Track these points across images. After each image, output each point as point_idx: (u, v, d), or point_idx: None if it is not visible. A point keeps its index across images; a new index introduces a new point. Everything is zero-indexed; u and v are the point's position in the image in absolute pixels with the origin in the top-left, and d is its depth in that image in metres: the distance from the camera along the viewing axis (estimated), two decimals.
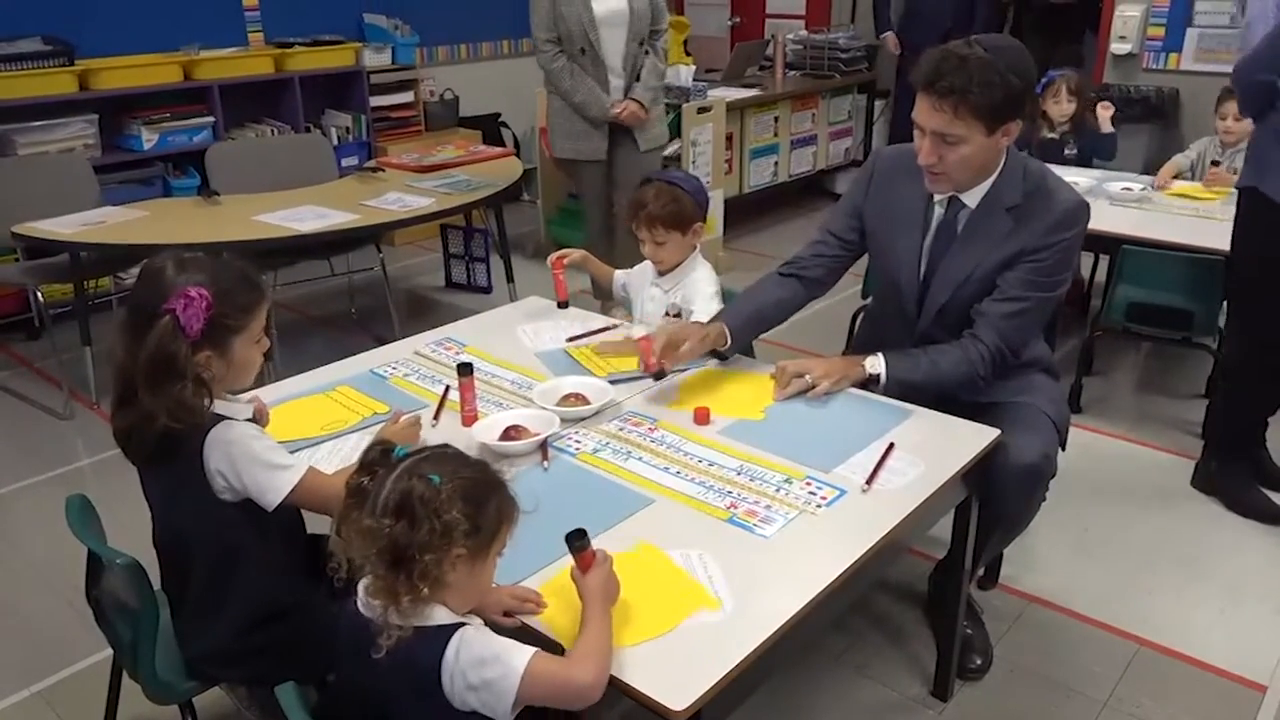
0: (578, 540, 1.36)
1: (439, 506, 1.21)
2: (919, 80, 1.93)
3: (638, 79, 3.87)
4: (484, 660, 1.22)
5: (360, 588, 1.29)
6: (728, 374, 2.15)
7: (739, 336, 2.16)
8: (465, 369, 1.96)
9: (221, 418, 1.55)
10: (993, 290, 2.05)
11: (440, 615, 1.25)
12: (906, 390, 2.03)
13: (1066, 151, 4.09)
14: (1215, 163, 3.75)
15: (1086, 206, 2.05)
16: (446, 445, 1.32)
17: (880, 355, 2.06)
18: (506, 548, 1.31)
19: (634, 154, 3.93)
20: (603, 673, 1.25)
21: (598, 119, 3.81)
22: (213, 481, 1.54)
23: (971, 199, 2.06)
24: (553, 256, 2.46)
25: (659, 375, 2.01)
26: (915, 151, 2.01)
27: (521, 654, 1.23)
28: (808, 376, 2.01)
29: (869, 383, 2.06)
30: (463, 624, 1.25)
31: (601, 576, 1.35)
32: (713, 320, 2.17)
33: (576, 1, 3.64)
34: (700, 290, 2.41)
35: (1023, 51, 1.95)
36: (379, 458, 1.29)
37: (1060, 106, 4.05)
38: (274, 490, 1.55)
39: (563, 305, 2.51)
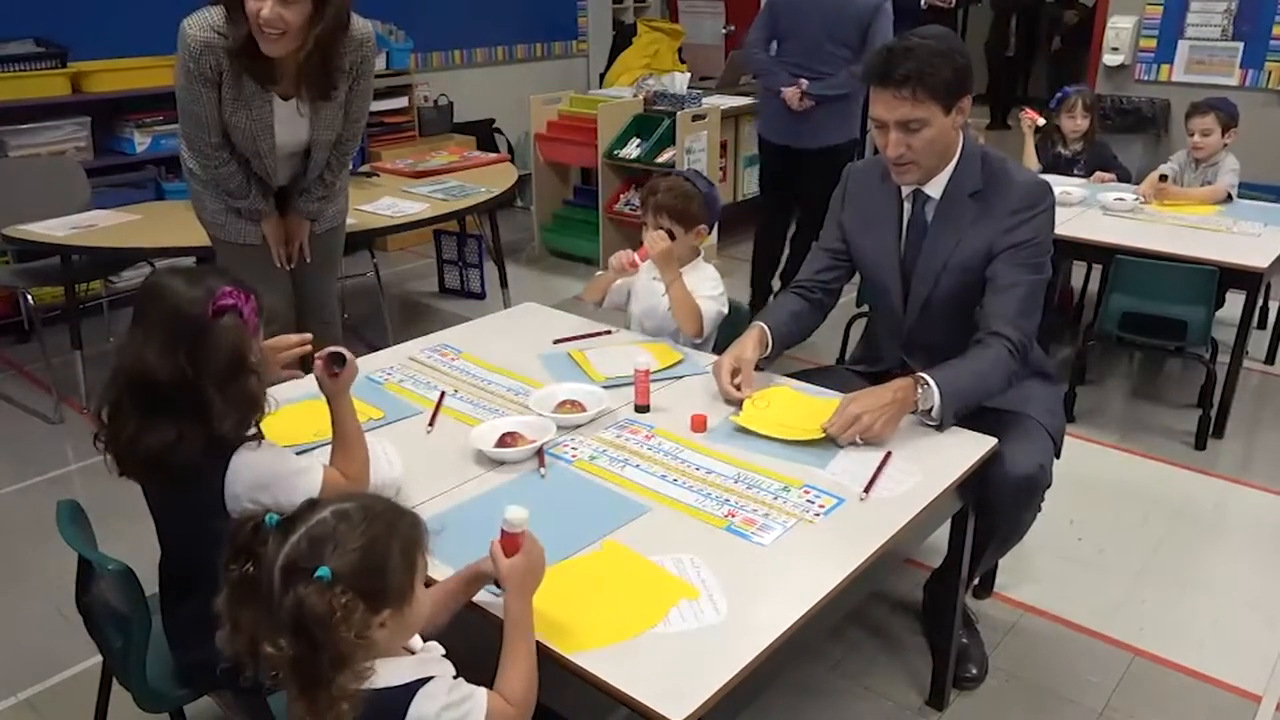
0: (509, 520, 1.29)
1: (340, 620, 1.07)
2: (873, 77, 1.98)
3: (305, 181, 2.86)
4: None
5: None
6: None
7: (775, 342, 2.13)
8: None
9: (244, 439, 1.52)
10: (971, 281, 2.06)
11: (386, 674, 1.14)
12: (962, 412, 1.92)
13: (1076, 172, 4.09)
14: (1164, 176, 3.75)
15: (1048, 186, 2.08)
16: (315, 500, 1.19)
17: (930, 382, 1.88)
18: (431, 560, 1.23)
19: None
20: (531, 691, 1.24)
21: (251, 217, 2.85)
22: (232, 504, 1.50)
23: (934, 189, 2.09)
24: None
25: (645, 409, 2.01)
26: (881, 155, 2.05)
27: (478, 705, 1.18)
28: (864, 417, 1.83)
29: (921, 414, 1.91)
30: (420, 680, 1.16)
31: (524, 562, 1.28)
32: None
33: (252, 119, 2.62)
34: (701, 288, 2.41)
35: (955, 35, 2.08)
36: (250, 538, 1.13)
37: (1075, 121, 4.06)
38: (305, 496, 1.52)
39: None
